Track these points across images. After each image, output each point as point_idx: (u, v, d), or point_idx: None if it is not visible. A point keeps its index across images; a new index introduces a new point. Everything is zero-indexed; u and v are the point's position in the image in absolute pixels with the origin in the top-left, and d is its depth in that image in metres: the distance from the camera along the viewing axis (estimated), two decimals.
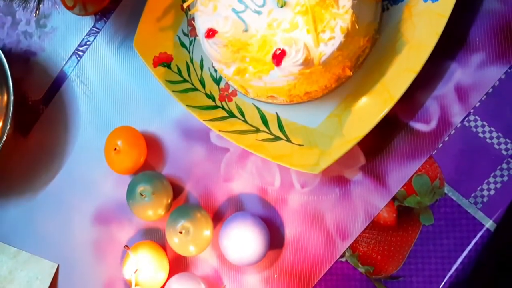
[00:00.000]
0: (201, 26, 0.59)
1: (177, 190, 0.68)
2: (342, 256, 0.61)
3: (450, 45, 0.59)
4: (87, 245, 0.72)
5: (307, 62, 0.56)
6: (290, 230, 0.63)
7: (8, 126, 0.72)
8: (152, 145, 0.70)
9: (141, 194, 0.65)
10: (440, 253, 0.57)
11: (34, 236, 0.75)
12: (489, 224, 0.56)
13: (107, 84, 0.74)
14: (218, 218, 0.65)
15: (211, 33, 0.58)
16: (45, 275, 0.73)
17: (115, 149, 0.67)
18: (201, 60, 0.69)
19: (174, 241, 0.64)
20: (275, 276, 0.63)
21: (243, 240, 0.61)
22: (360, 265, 0.60)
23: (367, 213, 0.60)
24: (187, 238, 0.63)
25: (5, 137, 0.72)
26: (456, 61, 0.59)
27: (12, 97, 0.73)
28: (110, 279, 0.70)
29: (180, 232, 0.63)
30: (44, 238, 0.74)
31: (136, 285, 0.65)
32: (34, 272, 0.73)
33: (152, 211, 0.66)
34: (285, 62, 0.56)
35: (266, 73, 0.58)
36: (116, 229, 0.71)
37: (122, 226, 0.70)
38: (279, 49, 0.56)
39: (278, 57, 0.56)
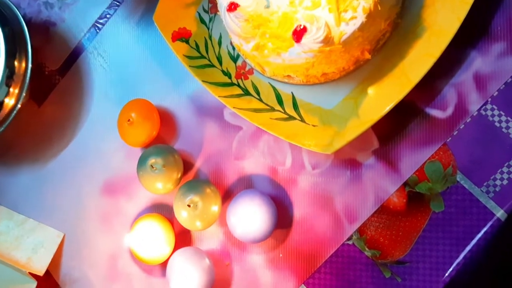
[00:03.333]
0: (223, 0, 0.59)
1: (187, 165, 0.68)
2: (349, 239, 0.60)
3: (472, 33, 0.59)
4: (94, 216, 0.72)
5: (327, 40, 0.56)
6: (299, 211, 0.62)
7: (24, 94, 0.72)
8: (166, 120, 0.70)
9: (152, 166, 0.65)
10: (448, 241, 0.57)
11: (42, 204, 0.75)
12: (500, 213, 0.56)
13: (125, 58, 0.74)
14: (227, 195, 0.65)
15: (233, 7, 0.58)
16: (51, 243, 0.73)
17: (129, 120, 0.67)
18: (220, 37, 0.69)
19: (182, 215, 0.64)
20: (280, 255, 0.62)
21: (251, 216, 0.60)
22: (366, 249, 0.59)
23: (377, 197, 0.60)
24: (195, 212, 0.63)
25: (19, 104, 0.72)
26: (477, 49, 0.59)
27: (30, 65, 0.73)
28: (115, 251, 0.70)
29: (189, 206, 0.63)
30: (52, 207, 0.74)
31: (140, 257, 0.65)
32: (39, 240, 0.73)
33: (161, 184, 0.65)
34: (305, 38, 0.56)
35: (285, 50, 0.58)
36: (124, 201, 0.71)
37: (131, 199, 0.70)
38: (300, 25, 0.55)
39: (299, 34, 0.56)
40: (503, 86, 0.57)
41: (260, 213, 0.60)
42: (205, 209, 0.63)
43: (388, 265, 0.58)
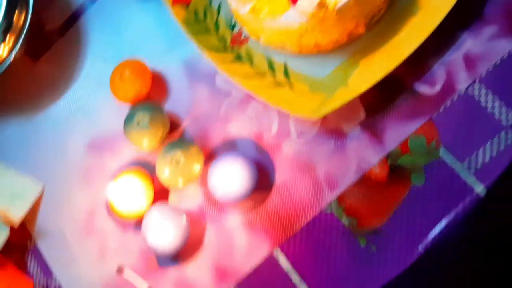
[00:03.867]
0: None
1: (174, 126, 0.68)
2: (327, 209, 0.60)
3: (465, 14, 0.60)
4: (76, 171, 0.72)
5: (322, 5, 0.57)
6: (280, 177, 0.62)
7: (19, 46, 0.73)
8: (158, 81, 0.71)
9: (138, 122, 0.65)
10: (426, 213, 0.57)
11: (25, 156, 0.75)
12: (480, 189, 0.56)
13: (124, 21, 0.75)
14: (210, 157, 0.65)
15: None
16: (29, 195, 0.73)
17: (121, 76, 0.68)
18: (219, 6, 0.70)
19: (164, 171, 0.64)
20: (257, 219, 0.62)
21: (231, 174, 0.60)
22: (344, 217, 0.59)
23: (359, 167, 0.60)
24: (177, 168, 0.63)
25: (13, 56, 0.72)
26: (468, 31, 0.60)
27: (29, 19, 0.74)
28: (93, 207, 0.70)
29: (171, 161, 0.62)
30: (35, 160, 0.74)
31: (117, 210, 0.64)
32: (18, 191, 0.73)
33: (147, 139, 0.66)
34: (301, 0, 0.57)
35: (281, 13, 0.59)
36: (108, 158, 0.70)
37: (115, 156, 0.70)
38: None
39: None
40: (492, 67, 0.58)
41: (241, 172, 0.60)
42: (187, 166, 0.63)
43: (364, 234, 0.58)
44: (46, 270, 0.71)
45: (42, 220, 0.72)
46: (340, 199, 0.60)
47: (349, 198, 0.60)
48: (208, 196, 0.64)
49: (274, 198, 0.62)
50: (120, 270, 0.43)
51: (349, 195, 0.60)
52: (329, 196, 0.60)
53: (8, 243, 0.70)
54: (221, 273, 0.63)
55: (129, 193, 0.65)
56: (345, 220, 0.59)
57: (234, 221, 0.63)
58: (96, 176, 0.71)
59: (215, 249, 0.63)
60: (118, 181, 0.66)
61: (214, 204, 0.64)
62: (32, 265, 0.72)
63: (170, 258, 0.65)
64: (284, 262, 0.61)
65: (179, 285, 0.64)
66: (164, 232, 0.62)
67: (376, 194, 0.59)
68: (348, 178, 0.60)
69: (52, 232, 0.71)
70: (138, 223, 0.67)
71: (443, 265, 0.62)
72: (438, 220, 0.56)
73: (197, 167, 0.64)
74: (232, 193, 0.61)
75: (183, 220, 0.63)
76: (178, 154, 0.63)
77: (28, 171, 0.74)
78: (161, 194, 0.67)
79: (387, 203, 0.58)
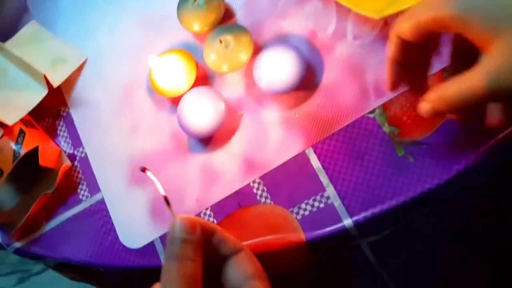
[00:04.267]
0: None
1: (228, 15, 0.67)
2: (370, 113, 0.58)
3: None
4: (122, 45, 0.72)
5: None
6: (327, 77, 0.60)
7: None
8: None
9: (194, 2, 0.64)
10: (475, 133, 0.54)
11: (73, 27, 0.75)
12: None
13: None
14: (259, 50, 0.63)
15: None
16: (72, 62, 0.73)
17: None
18: None
19: (211, 52, 0.63)
20: (296, 116, 0.60)
21: (280, 64, 0.59)
22: (386, 125, 0.57)
23: None
24: (225, 51, 0.62)
25: None
26: None
27: None
28: (133, 82, 0.69)
29: (220, 42, 0.61)
30: (82, 31, 0.74)
31: (156, 86, 0.64)
32: (61, 56, 0.73)
33: (199, 22, 0.65)
34: None
35: None
36: (156, 37, 0.70)
37: (163, 35, 0.70)
38: None
39: None
40: None
41: (290, 64, 0.59)
42: (235, 52, 0.62)
43: (404, 144, 0.56)
44: (75, 139, 0.71)
45: (80, 90, 0.72)
46: (385, 107, 0.58)
47: (395, 107, 0.57)
48: (250, 88, 0.63)
49: (317, 98, 0.60)
50: (143, 170, 0.43)
51: (396, 104, 0.58)
52: (374, 103, 0.58)
53: (42, 106, 0.70)
54: (248, 164, 0.61)
55: (172, 71, 0.64)
56: (386, 128, 0.57)
57: (272, 115, 0.62)
58: (141, 53, 0.70)
59: (247, 140, 0.62)
60: (163, 58, 0.65)
61: (254, 96, 0.63)
62: (61, 133, 0.72)
63: (200, 143, 0.64)
64: (315, 161, 0.59)
65: (205, 171, 0.63)
66: (200, 113, 0.61)
67: None
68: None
69: (88, 103, 0.71)
70: (174, 104, 0.66)
71: (470, 195, 0.59)
72: (485, 143, 0.53)
73: (244, 55, 0.62)
74: (277, 84, 0.59)
75: (221, 105, 0.61)
76: (229, 38, 0.62)
77: (74, 42, 0.74)
78: (202, 80, 0.66)
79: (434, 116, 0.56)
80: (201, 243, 0.42)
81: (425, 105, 0.45)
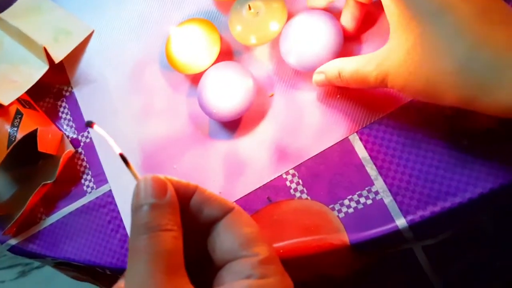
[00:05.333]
0: None
1: None
2: None
3: None
4: (132, 18, 0.63)
5: None
6: (373, 47, 0.51)
7: None
8: None
9: None
10: None
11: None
12: None
13: None
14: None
15: None
16: (76, 35, 0.64)
17: None
18: None
19: (237, 22, 0.54)
20: (338, 96, 0.51)
21: (310, 31, 0.50)
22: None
23: None
24: (254, 20, 0.53)
25: None
26: None
27: None
28: (146, 60, 0.60)
29: (249, 9, 0.52)
30: (90, 3, 0.65)
31: (173, 61, 0.54)
32: (65, 29, 0.64)
33: None
34: None
35: None
36: (172, 6, 0.60)
37: (180, 5, 0.60)
38: None
39: None
40: None
41: (325, 32, 0.49)
42: (265, 21, 0.53)
43: (471, 130, 0.47)
44: (79, 123, 0.62)
45: (85, 67, 0.63)
46: None
47: None
48: (282, 64, 0.54)
49: None
50: (90, 125, 0.33)
51: None
52: None
53: (42, 84, 0.61)
54: (280, 153, 0.52)
55: (192, 44, 0.55)
56: (450, 109, 0.47)
57: (308, 96, 0.53)
58: (155, 26, 0.61)
59: (279, 124, 0.53)
60: (181, 29, 0.56)
61: (286, 73, 0.54)
62: (64, 115, 0.63)
63: (224, 128, 0.55)
64: (360, 150, 0.50)
65: (229, 161, 0.54)
66: (225, 93, 0.52)
67: None
68: None
69: (94, 82, 0.62)
70: (194, 82, 0.57)
71: None
72: None
73: (277, 25, 0.53)
74: (309, 58, 0.50)
75: (250, 83, 0.52)
76: (259, 3, 0.53)
77: (79, 13, 0.65)
78: (226, 55, 0.57)
79: None
80: (176, 207, 0.32)
81: (319, 76, 0.48)
